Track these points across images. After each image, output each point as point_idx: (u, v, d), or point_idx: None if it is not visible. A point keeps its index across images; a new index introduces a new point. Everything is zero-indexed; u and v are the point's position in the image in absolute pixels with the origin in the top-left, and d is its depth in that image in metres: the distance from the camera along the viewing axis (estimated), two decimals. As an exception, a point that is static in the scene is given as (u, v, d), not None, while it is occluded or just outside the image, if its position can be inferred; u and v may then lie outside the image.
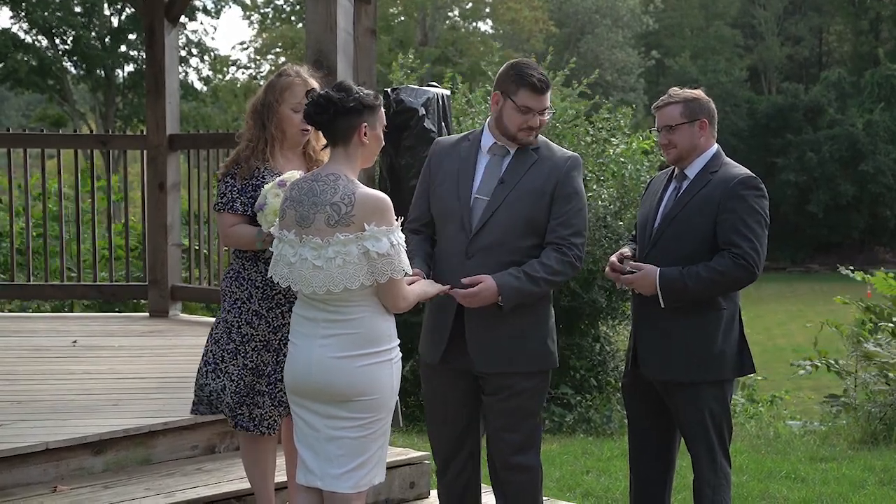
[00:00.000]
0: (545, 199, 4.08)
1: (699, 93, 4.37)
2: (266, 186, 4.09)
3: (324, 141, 3.87)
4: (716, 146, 4.34)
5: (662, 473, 4.47)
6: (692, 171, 4.29)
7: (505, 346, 4.08)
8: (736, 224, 4.12)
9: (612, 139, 11.70)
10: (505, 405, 4.13)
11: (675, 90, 4.37)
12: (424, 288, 3.86)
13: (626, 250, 4.39)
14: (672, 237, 4.24)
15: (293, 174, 4.03)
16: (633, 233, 4.63)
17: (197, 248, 8.40)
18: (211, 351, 4.27)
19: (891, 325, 9.30)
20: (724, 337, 4.22)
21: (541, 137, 4.22)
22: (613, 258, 4.35)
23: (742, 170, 4.26)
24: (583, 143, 11.37)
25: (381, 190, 3.74)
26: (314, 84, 4.26)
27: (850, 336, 9.36)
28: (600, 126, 11.79)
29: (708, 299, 4.17)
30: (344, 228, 3.54)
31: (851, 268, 10.24)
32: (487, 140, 4.19)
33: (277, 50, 43.15)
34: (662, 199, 4.37)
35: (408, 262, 3.62)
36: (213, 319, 8.19)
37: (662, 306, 4.15)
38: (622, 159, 11.27)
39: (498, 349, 4.08)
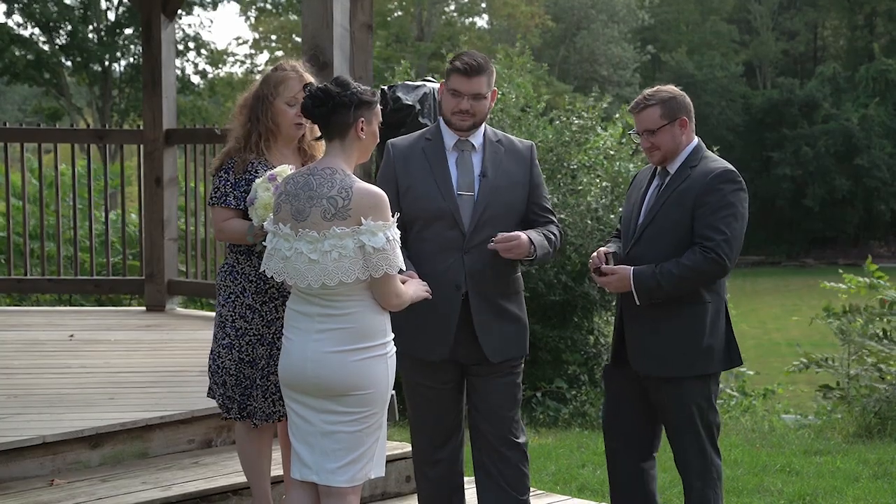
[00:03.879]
0: (523, 189, 4.27)
1: (674, 90, 4.34)
2: (256, 181, 4.10)
3: (317, 134, 3.88)
4: (696, 140, 4.33)
5: (643, 463, 4.46)
6: (673, 167, 4.30)
7: (506, 333, 4.26)
8: (709, 217, 4.13)
9: (598, 128, 11.69)
10: (502, 385, 4.28)
11: (649, 91, 4.35)
12: (417, 290, 3.87)
13: (613, 248, 4.39)
14: (654, 233, 4.25)
15: (284, 168, 4.04)
16: (618, 227, 4.62)
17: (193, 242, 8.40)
18: (213, 346, 4.31)
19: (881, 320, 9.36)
20: (711, 331, 4.22)
21: (497, 130, 4.37)
22: (595, 256, 4.34)
23: (720, 163, 4.26)
24: (567, 132, 11.37)
25: (377, 185, 3.75)
26: (309, 78, 4.26)
27: (843, 332, 9.40)
28: (587, 115, 11.78)
29: (687, 294, 4.17)
30: (340, 222, 3.55)
31: (842, 271, 10.29)
32: (450, 138, 4.25)
33: (273, 44, 43.09)
34: (646, 195, 4.37)
35: (402, 259, 3.64)
36: (209, 314, 8.24)
37: (637, 304, 4.18)
38: (612, 152, 11.28)
39: (503, 337, 4.24)
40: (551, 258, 4.40)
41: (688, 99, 4.34)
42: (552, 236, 4.25)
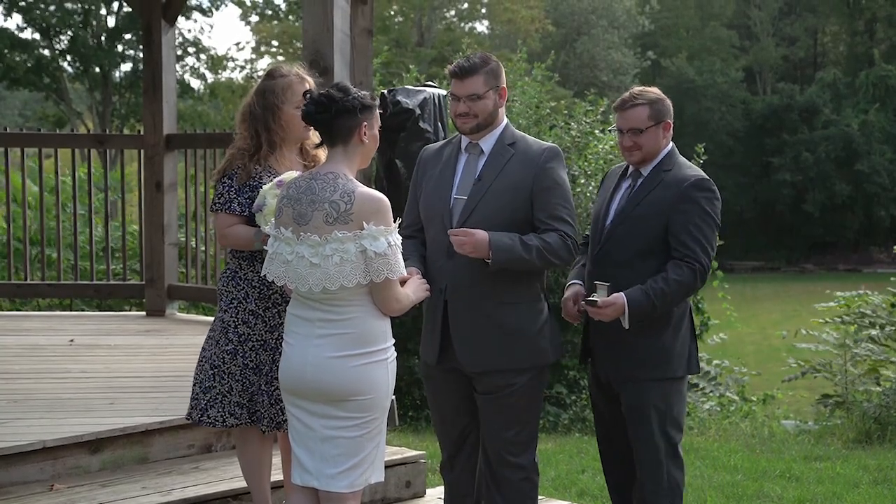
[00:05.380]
0: (524, 194, 4.07)
1: (660, 92, 4.31)
2: (265, 187, 4.10)
3: (316, 138, 3.89)
4: (671, 144, 4.31)
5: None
6: (646, 170, 4.26)
7: (491, 343, 4.09)
8: (688, 227, 4.10)
9: (598, 132, 11.63)
10: (498, 403, 4.14)
11: (637, 90, 4.29)
12: (418, 290, 3.87)
13: (580, 289, 4.32)
14: (624, 235, 4.21)
15: (291, 174, 4.04)
16: (586, 233, 4.53)
17: (194, 247, 8.41)
18: (212, 353, 4.28)
19: (873, 331, 9.39)
20: (674, 335, 4.21)
21: (518, 132, 4.24)
22: (570, 300, 4.29)
23: (695, 171, 4.25)
24: (566, 137, 11.35)
25: (377, 190, 3.76)
26: (310, 81, 4.28)
27: (839, 343, 9.43)
28: (587, 120, 11.73)
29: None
30: (342, 226, 3.56)
31: (831, 291, 10.35)
32: (465, 140, 4.21)
33: (273, 49, 43.12)
34: (615, 195, 4.33)
35: (403, 264, 3.64)
36: (208, 318, 8.23)
37: (626, 327, 4.08)
38: (611, 156, 11.23)
39: (483, 347, 4.10)
40: (534, 266, 4.04)
41: (671, 104, 4.33)
42: (534, 242, 3.98)
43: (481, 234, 3.94)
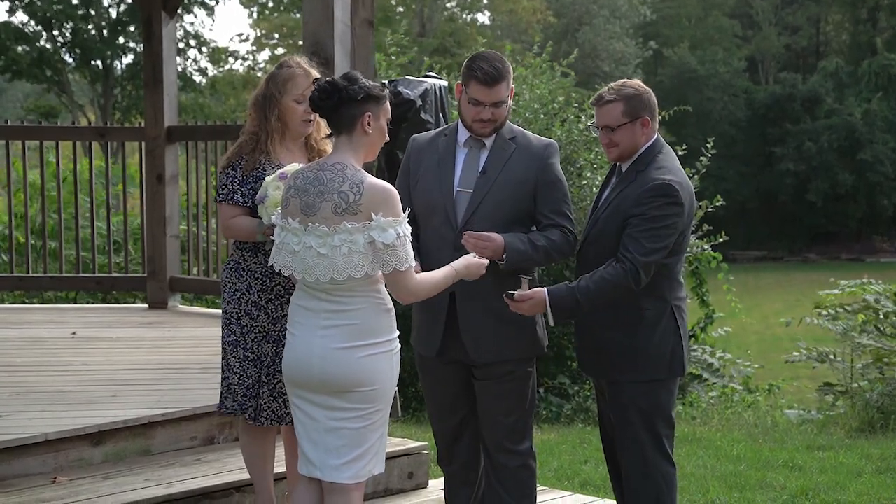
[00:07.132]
0: (527, 188, 4.13)
1: (640, 86, 4.16)
2: (267, 179, 4.10)
3: (324, 132, 3.89)
4: (653, 138, 4.16)
5: None
6: (625, 166, 4.17)
7: (498, 335, 4.14)
8: (633, 230, 3.98)
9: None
10: (499, 389, 4.19)
11: (614, 85, 4.17)
12: (469, 267, 3.86)
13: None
14: (596, 237, 4.15)
15: (294, 166, 4.04)
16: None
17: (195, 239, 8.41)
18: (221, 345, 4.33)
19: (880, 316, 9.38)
20: (649, 335, 4.09)
21: (516, 127, 4.25)
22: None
23: (661, 174, 4.05)
24: (575, 130, 11.33)
25: (397, 177, 3.75)
26: (316, 74, 4.27)
27: (843, 333, 9.42)
28: (592, 113, 11.69)
29: (623, 300, 4.04)
30: (351, 217, 3.56)
31: (835, 279, 10.30)
32: (463, 133, 4.21)
33: (274, 41, 43.08)
34: (603, 192, 4.26)
35: (412, 254, 3.64)
36: (211, 311, 8.24)
37: (552, 324, 4.03)
38: None
39: (492, 339, 4.14)
40: (539, 264, 4.17)
41: (653, 97, 4.18)
42: (541, 241, 4.08)
43: (499, 240, 3.99)
